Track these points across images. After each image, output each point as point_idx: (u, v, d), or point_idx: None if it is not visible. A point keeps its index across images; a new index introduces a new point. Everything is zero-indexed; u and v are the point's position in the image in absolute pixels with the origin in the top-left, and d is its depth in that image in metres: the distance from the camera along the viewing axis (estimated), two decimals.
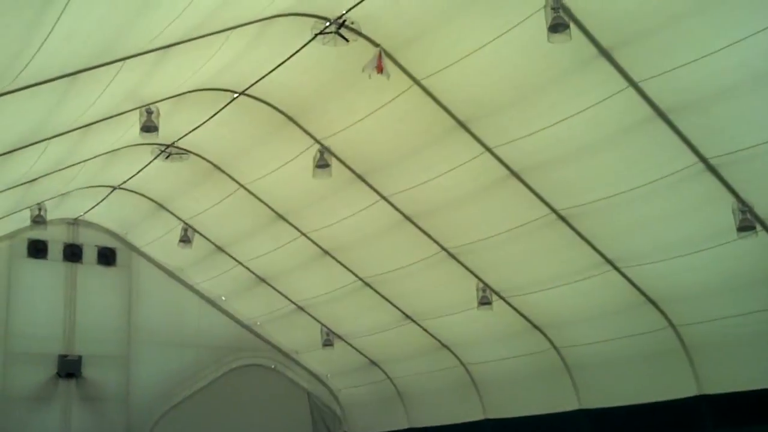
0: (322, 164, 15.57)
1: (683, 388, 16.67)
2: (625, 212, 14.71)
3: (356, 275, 20.31)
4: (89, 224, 22.82)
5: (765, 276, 14.38)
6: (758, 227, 13.11)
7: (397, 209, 17.32)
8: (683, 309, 16.17)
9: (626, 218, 14.89)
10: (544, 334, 18.97)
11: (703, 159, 12.89)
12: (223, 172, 18.37)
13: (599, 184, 14.45)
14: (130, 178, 19.29)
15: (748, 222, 12.93)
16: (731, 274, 14.72)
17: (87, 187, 19.51)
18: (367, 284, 20.43)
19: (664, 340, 16.72)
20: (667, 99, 12.42)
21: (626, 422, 17.85)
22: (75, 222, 22.63)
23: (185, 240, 20.57)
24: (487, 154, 14.81)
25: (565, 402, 19.14)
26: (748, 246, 13.47)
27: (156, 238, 22.39)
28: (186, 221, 20.66)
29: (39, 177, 15.30)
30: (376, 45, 13.03)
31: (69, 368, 21.69)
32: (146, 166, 18.32)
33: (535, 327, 18.94)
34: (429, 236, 17.77)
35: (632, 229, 15.12)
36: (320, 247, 19.85)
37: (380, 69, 12.90)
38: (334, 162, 15.80)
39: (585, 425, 18.79)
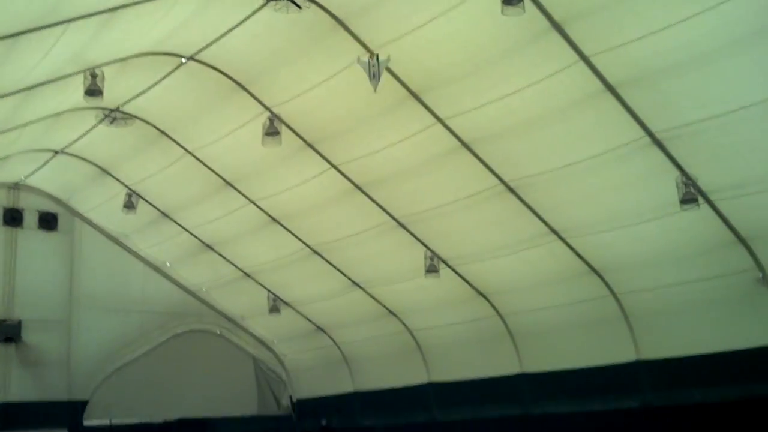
0: (271, 132, 15.42)
1: (622, 354, 17.23)
2: (572, 184, 15.00)
3: (304, 243, 20.30)
4: (30, 189, 22.19)
5: (704, 247, 14.89)
6: (700, 200, 13.51)
7: (347, 178, 17.29)
8: (625, 278, 16.67)
9: (573, 190, 15.20)
10: (489, 302, 19.35)
11: (649, 133, 13.19)
12: (170, 138, 18.00)
13: (548, 156, 14.68)
14: (74, 142, 18.77)
15: (690, 195, 13.32)
16: (673, 244, 15.21)
17: (28, 151, 18.95)
18: (315, 252, 20.44)
19: (605, 307, 17.22)
20: (617, 73, 12.62)
21: (565, 385, 18.40)
22: (15, 186, 21.96)
23: (129, 206, 20.21)
24: (439, 125, 14.88)
25: (507, 366, 19.62)
26: (690, 218, 13.90)
27: (99, 204, 21.92)
28: (130, 187, 20.25)
29: None
30: (330, 13, 12.90)
31: (8, 332, 21.26)
32: (90, 130, 17.84)
33: (480, 294, 19.29)
34: (378, 205, 17.83)
35: (578, 201, 15.45)
36: (268, 215, 19.74)
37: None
38: (284, 130, 15.65)
39: (525, 388, 19.32)
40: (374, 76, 13.81)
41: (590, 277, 16.95)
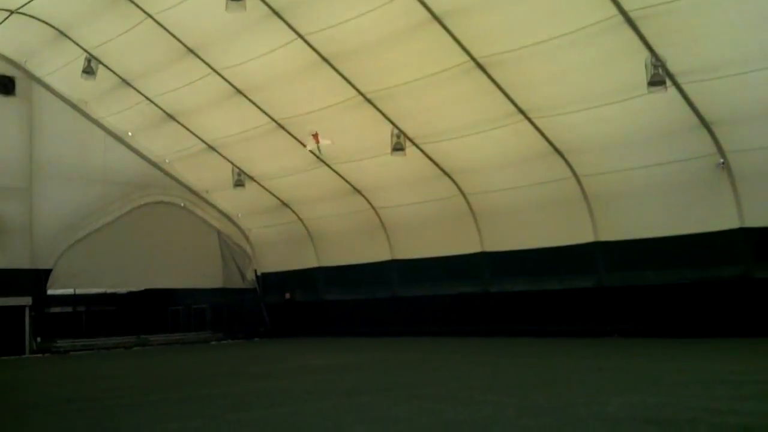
0: None
1: (581, 235, 17.59)
2: (542, 62, 14.80)
3: (270, 116, 19.98)
4: None
5: (668, 130, 14.98)
6: (668, 83, 13.43)
7: (314, 49, 16.85)
8: (587, 160, 16.79)
9: (542, 69, 15.02)
10: (453, 181, 19.45)
11: (622, 11, 12.94)
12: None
13: (520, 32, 14.39)
14: (30, 1, 17.90)
15: (659, 77, 13.23)
16: (637, 127, 15.26)
17: None
18: (280, 126, 20.18)
19: (567, 189, 17.45)
20: None
21: (525, 264, 18.82)
22: None
23: (88, 71, 19.51)
24: None
25: (468, 245, 19.97)
26: (656, 101, 13.90)
27: (58, 68, 21.15)
28: (89, 51, 19.52)
29: None
30: None
31: None
32: None
33: (445, 173, 19.36)
34: (346, 79, 17.49)
35: (547, 80, 15.31)
36: (233, 86, 19.29)
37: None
38: None
39: (485, 266, 19.74)
40: None
41: (554, 158, 17.04)
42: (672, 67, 13.43)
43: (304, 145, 19.96)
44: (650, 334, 16.20)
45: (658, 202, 16.17)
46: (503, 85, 15.82)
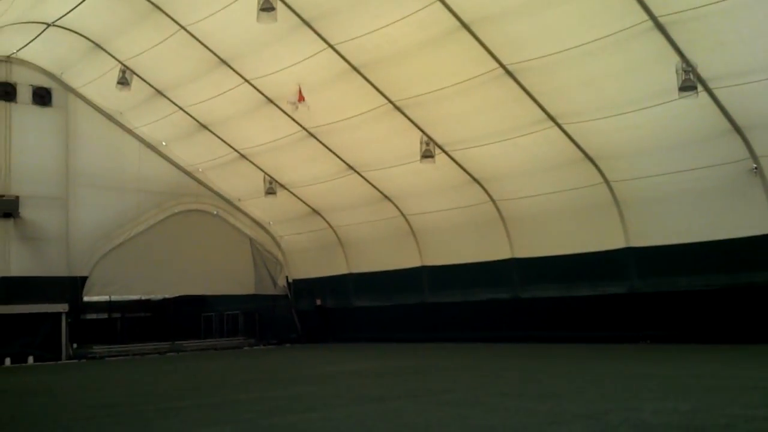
0: (266, 7, 14.93)
1: (612, 241, 17.49)
2: (571, 69, 14.79)
3: (300, 125, 20.20)
4: (23, 62, 21.83)
5: (700, 136, 14.86)
6: (699, 88, 13.36)
7: (344, 58, 17.02)
8: (618, 166, 16.71)
9: (572, 75, 15.00)
10: (483, 187, 19.48)
11: (652, 17, 12.90)
12: (163, 11, 17.57)
13: (549, 38, 14.40)
14: (66, 14, 18.35)
15: (690, 82, 13.16)
16: (669, 133, 15.17)
17: (19, 23, 18.56)
18: (311, 134, 20.38)
19: (598, 195, 17.38)
20: None
21: (555, 271, 18.77)
22: (8, 60, 21.59)
23: (123, 82, 19.93)
24: (439, 4, 14.51)
25: (498, 251, 19.96)
26: (688, 106, 13.80)
27: (93, 79, 21.61)
28: (124, 63, 19.93)
29: None
30: None
31: (6, 208, 21.42)
32: (82, 2, 17.44)
33: (475, 180, 19.39)
34: (375, 88, 17.64)
35: (577, 86, 15.28)
36: (264, 95, 19.55)
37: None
38: (279, 6, 15.15)
39: (515, 272, 19.71)
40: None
41: (584, 165, 16.99)
42: (703, 72, 13.36)
43: (336, 154, 20.17)
44: (682, 340, 16.06)
45: (691, 208, 16.03)
46: (533, 92, 15.83)
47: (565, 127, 16.31)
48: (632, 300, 17.32)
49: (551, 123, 16.34)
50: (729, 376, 10.13)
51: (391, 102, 17.92)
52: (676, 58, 13.27)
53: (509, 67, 15.44)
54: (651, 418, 6.62)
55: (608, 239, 17.55)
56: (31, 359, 20.17)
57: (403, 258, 22.55)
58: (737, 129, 14.36)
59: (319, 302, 25.61)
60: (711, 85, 13.65)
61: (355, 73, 17.35)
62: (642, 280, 17.24)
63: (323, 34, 16.59)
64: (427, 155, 18.36)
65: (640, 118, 15.03)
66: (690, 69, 13.12)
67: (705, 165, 15.28)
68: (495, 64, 15.49)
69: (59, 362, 20.44)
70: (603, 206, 17.40)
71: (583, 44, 14.03)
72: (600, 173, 17.03)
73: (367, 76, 17.42)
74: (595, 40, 13.85)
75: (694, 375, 10.46)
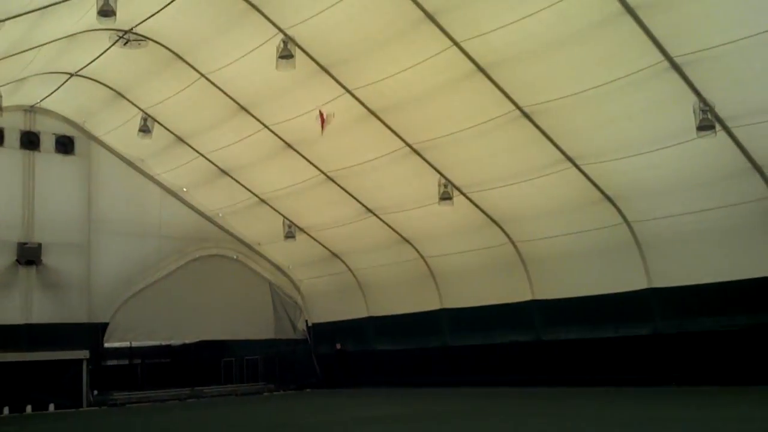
0: (285, 55, 15.27)
1: (634, 282, 17.33)
2: (588, 110, 14.86)
3: (319, 169, 20.35)
4: (47, 112, 22.26)
5: (719, 175, 14.79)
6: (717, 127, 13.36)
7: (361, 103, 17.22)
8: (639, 206, 16.64)
9: (590, 116, 15.06)
10: (502, 229, 19.43)
11: (668, 57, 12.98)
12: (183, 60, 17.91)
13: (565, 80, 14.50)
14: (88, 64, 18.73)
15: (707, 122, 13.16)
16: (688, 172, 15.11)
17: (44, 74, 18.94)
18: (329, 178, 20.52)
19: (618, 235, 17.27)
20: None
21: (577, 312, 18.59)
22: (32, 109, 22.04)
23: (144, 130, 20.23)
24: (455, 48, 14.69)
25: (519, 293, 19.82)
26: (706, 145, 13.77)
27: (115, 128, 21.98)
28: (145, 111, 20.25)
29: None
30: None
31: (29, 255, 21.65)
32: (104, 52, 17.79)
33: (494, 222, 19.36)
34: (393, 131, 17.79)
35: (595, 127, 15.32)
36: (283, 140, 19.76)
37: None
38: (298, 53, 15.51)
39: (537, 314, 19.54)
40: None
41: (604, 205, 16.94)
42: (720, 111, 13.37)
43: (355, 198, 20.30)
44: (709, 382, 15.78)
45: (713, 247, 15.88)
46: (550, 133, 15.90)
47: (584, 167, 16.31)
48: (656, 341, 17.09)
49: (569, 164, 16.35)
50: (762, 419, 9.92)
51: (408, 145, 18.04)
52: (693, 98, 13.30)
53: (526, 110, 15.53)
54: None
55: (630, 280, 17.39)
56: (52, 406, 20.15)
57: (423, 300, 22.45)
58: (756, 167, 14.30)
59: (339, 346, 25.48)
60: (729, 123, 13.64)
61: (372, 117, 17.53)
62: (666, 321, 17.03)
63: (341, 80, 16.82)
64: (445, 197, 18.41)
65: (659, 158, 15.01)
66: (707, 108, 13.14)
67: (725, 204, 15.17)
68: (512, 107, 15.59)
69: (80, 409, 20.41)
70: (624, 246, 17.29)
71: (600, 85, 14.11)
72: (620, 213, 16.96)
73: (385, 120, 17.59)
74: (612, 81, 13.92)
75: (725, 417, 10.26)
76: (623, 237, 17.21)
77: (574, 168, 16.43)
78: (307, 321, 26.60)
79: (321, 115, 17.66)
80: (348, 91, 16.98)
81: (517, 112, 15.63)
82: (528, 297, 19.69)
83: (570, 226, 18.02)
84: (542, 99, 15.08)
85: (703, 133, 13.32)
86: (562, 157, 16.29)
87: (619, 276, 17.65)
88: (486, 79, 15.14)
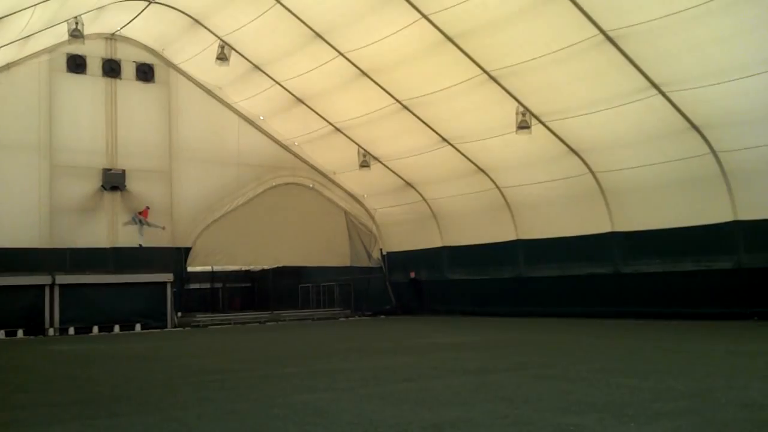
0: None
1: (718, 214, 16.77)
2: (676, 33, 14.13)
3: (394, 97, 20.16)
4: (127, 39, 22.65)
5: None
6: None
7: (438, 28, 16.82)
8: (727, 135, 15.92)
9: (677, 40, 14.33)
10: (582, 159, 18.95)
11: None
12: None
13: (652, 2, 13.79)
14: None
15: None
16: None
17: (123, 0, 19.15)
18: (404, 107, 20.32)
19: (704, 166, 16.62)
20: None
21: (658, 244, 18.14)
22: (112, 37, 22.44)
23: (222, 57, 20.38)
24: None
25: (598, 225, 19.43)
26: None
27: (193, 55, 22.22)
28: (223, 38, 20.36)
29: None
30: None
31: (113, 181, 22.37)
32: None
33: (573, 151, 18.89)
34: (470, 58, 17.37)
35: (682, 52, 14.59)
36: (358, 68, 19.59)
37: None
38: None
39: (616, 246, 19.15)
40: None
41: (690, 134, 16.28)
42: None
43: (430, 127, 20.06)
44: None
45: None
46: (635, 59, 15.23)
47: (670, 95, 15.64)
48: (739, 275, 16.58)
49: (655, 91, 15.70)
50: None
51: (485, 72, 17.62)
52: None
53: (610, 33, 14.89)
54: (760, 397, 6.33)
55: (714, 212, 16.82)
56: (138, 326, 21.07)
57: (498, 231, 22.29)
58: None
59: (413, 275, 25.70)
60: None
61: (449, 43, 17.15)
62: (750, 255, 16.47)
63: (417, 4, 16.43)
64: (522, 126, 17.97)
65: (748, 85, 14.26)
66: None
67: None
68: (595, 31, 14.97)
69: (165, 330, 21.28)
70: (709, 177, 16.65)
71: (688, 8, 13.37)
72: (707, 143, 16.28)
73: (462, 47, 17.18)
74: (701, 3, 13.17)
75: None
76: (709, 168, 16.56)
77: (659, 95, 15.77)
78: (381, 250, 26.86)
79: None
80: (424, 16, 16.61)
81: (601, 36, 14.99)
82: (607, 229, 19.29)
83: (653, 157, 17.42)
84: (626, 23, 14.39)
85: None
86: (648, 83, 15.64)
87: (702, 208, 17.08)
88: (568, 1, 14.52)
